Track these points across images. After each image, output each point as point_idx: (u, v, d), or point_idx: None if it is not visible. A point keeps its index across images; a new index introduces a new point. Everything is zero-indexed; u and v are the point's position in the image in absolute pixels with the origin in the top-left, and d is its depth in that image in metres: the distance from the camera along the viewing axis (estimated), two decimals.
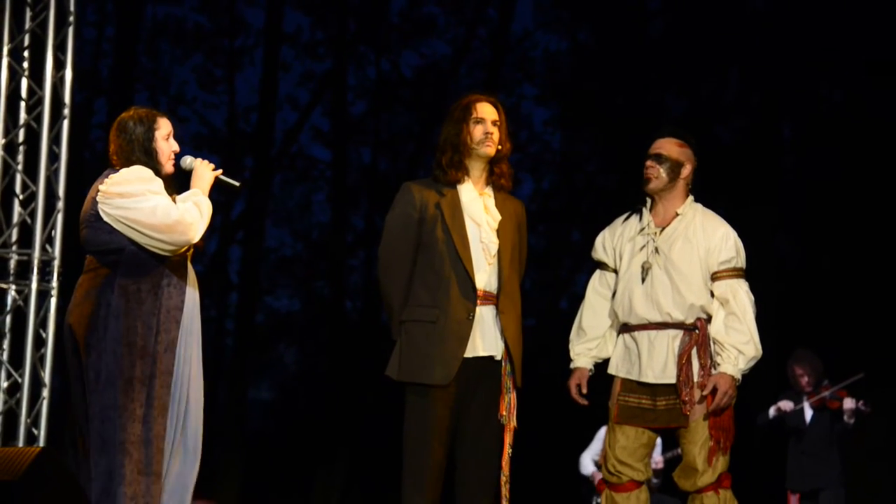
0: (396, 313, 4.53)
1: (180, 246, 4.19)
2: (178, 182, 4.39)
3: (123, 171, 4.22)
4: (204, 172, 4.37)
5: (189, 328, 4.27)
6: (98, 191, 4.20)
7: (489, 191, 4.60)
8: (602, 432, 8.62)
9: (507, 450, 4.48)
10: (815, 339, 8.78)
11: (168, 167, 4.33)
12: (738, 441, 4.65)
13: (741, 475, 4.75)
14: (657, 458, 8.67)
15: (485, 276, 4.48)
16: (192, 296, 4.29)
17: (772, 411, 7.92)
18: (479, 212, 4.54)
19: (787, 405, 7.86)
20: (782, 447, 8.07)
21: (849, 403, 7.67)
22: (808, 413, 7.87)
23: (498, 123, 4.56)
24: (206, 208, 4.26)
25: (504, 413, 4.48)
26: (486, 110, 4.55)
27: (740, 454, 4.78)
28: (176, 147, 4.36)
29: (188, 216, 4.16)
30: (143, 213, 4.12)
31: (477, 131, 4.52)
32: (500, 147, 4.56)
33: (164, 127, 4.33)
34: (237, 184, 4.49)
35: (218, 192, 4.43)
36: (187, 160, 4.41)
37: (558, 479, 12.92)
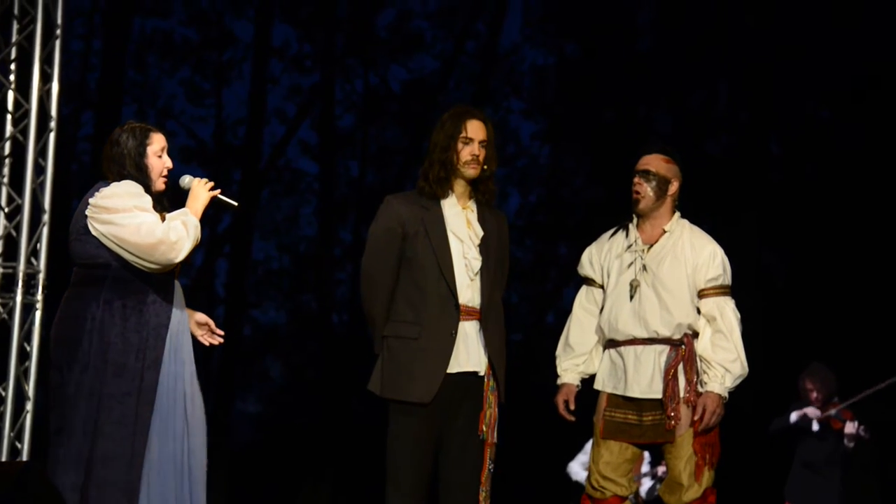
0: (378, 328, 4.49)
1: (163, 265, 4.14)
2: (172, 200, 4.34)
3: (114, 185, 4.19)
4: (200, 192, 4.29)
5: (177, 346, 4.23)
6: (88, 204, 4.17)
7: (472, 205, 4.57)
8: (590, 445, 8.54)
9: (488, 465, 4.46)
10: (801, 353, 8.75)
11: (159, 184, 4.28)
12: (734, 449, 4.65)
13: (738, 481, 4.76)
14: (662, 470, 8.57)
15: (468, 291, 4.44)
16: (178, 313, 4.25)
17: (794, 416, 7.72)
18: (462, 227, 4.51)
19: (813, 412, 7.68)
20: (782, 455, 7.98)
21: (850, 428, 7.59)
22: (815, 428, 7.75)
23: (485, 143, 4.52)
24: (194, 228, 4.18)
25: (484, 429, 4.45)
26: (477, 130, 4.49)
27: (738, 460, 4.79)
28: (169, 164, 4.30)
29: (173, 235, 4.10)
30: (128, 230, 4.08)
31: (465, 152, 4.47)
32: (485, 167, 4.52)
33: (156, 143, 4.28)
34: (235, 203, 4.43)
35: (208, 206, 4.37)
36: (185, 179, 4.35)
37: (545, 494, 12.90)
